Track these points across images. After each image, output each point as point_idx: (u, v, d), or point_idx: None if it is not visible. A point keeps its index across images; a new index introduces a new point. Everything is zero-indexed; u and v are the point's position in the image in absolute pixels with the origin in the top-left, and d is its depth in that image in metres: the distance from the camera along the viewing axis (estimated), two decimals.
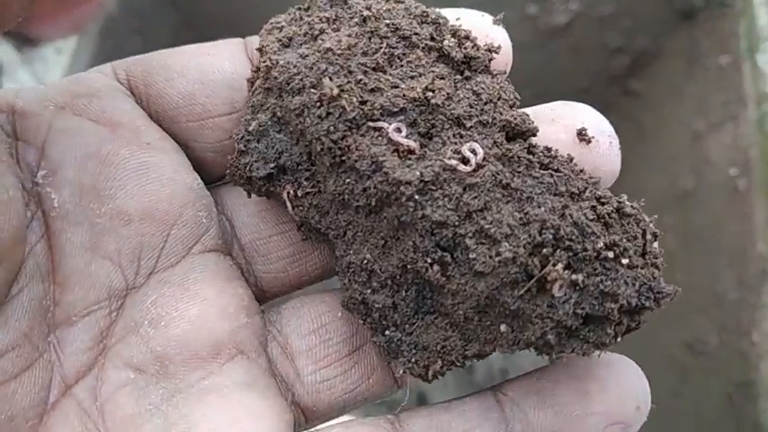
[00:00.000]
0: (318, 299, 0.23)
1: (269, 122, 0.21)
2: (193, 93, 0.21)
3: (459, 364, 0.22)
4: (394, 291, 0.21)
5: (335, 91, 0.21)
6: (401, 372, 0.21)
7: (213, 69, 0.21)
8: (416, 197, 0.20)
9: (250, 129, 0.21)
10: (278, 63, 0.21)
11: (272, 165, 0.21)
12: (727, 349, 0.59)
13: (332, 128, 0.21)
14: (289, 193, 0.21)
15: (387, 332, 0.21)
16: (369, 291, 0.20)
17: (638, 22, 0.78)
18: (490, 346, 0.21)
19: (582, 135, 0.25)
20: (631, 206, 0.24)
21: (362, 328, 0.22)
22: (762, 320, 0.54)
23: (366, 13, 0.23)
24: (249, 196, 0.22)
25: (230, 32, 0.90)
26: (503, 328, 0.21)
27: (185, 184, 0.20)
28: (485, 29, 0.24)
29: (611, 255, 0.22)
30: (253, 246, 0.22)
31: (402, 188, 0.20)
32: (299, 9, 0.25)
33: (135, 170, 0.20)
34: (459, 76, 0.23)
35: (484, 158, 0.22)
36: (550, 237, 0.21)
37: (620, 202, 0.24)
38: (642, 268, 0.23)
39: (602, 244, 0.22)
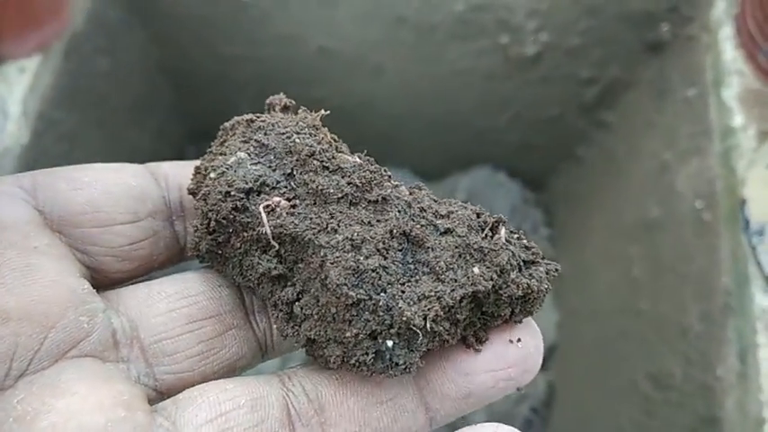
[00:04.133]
0: (220, 386, 0.21)
1: (246, 157, 0.22)
2: (99, 200, 0.21)
3: (451, 305, 0.21)
4: (383, 255, 0.21)
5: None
6: (406, 316, 0.20)
7: (118, 182, 0.22)
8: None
9: (229, 162, 0.22)
10: (259, 117, 0.24)
11: (252, 182, 0.22)
12: (692, 383, 0.59)
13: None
14: (268, 205, 0.21)
15: (383, 293, 0.20)
16: (362, 257, 0.20)
17: (607, 53, 0.80)
18: (470, 288, 0.21)
19: None
20: None
21: (271, 417, 0.20)
22: (727, 355, 0.54)
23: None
24: (209, 232, 0.22)
25: (200, 49, 0.90)
26: (475, 269, 0.21)
27: (69, 288, 0.20)
28: None
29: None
30: (158, 346, 0.21)
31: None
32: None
33: (19, 270, 0.19)
34: None
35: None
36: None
37: None
38: None
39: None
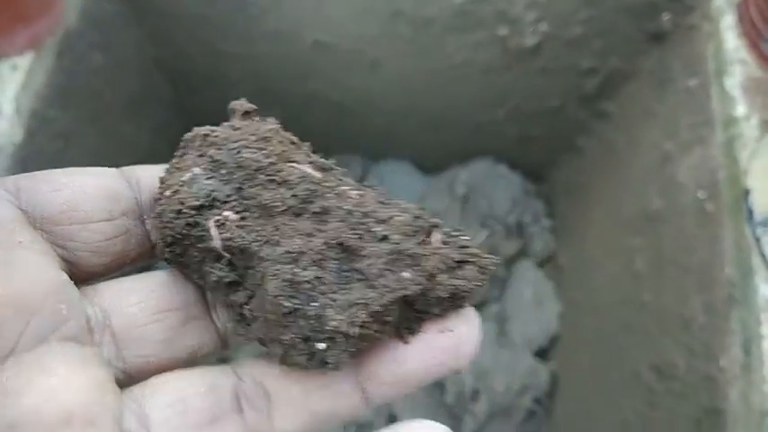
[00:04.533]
0: (182, 374, 0.24)
1: (200, 172, 0.24)
2: (77, 200, 0.23)
3: (378, 310, 0.23)
4: (319, 267, 0.23)
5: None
6: (332, 325, 0.22)
7: (94, 184, 0.24)
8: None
9: (184, 179, 0.24)
10: (214, 132, 0.25)
11: (203, 198, 0.24)
12: (695, 374, 0.59)
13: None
14: (218, 220, 0.23)
15: (315, 303, 0.22)
16: (299, 269, 0.22)
17: (608, 43, 0.79)
18: (400, 292, 0.23)
19: None
20: None
21: (224, 401, 0.23)
22: (730, 346, 0.53)
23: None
24: (166, 245, 0.24)
25: (196, 45, 0.89)
26: (405, 274, 0.23)
27: (50, 280, 0.22)
28: None
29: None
30: (128, 333, 0.24)
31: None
32: None
33: (4, 263, 0.21)
34: None
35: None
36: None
37: None
38: None
39: None
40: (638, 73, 0.81)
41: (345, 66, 0.87)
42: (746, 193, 0.54)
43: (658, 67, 0.75)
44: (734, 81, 0.62)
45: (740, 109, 0.60)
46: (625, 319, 0.76)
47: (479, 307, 1.01)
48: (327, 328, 0.22)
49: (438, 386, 0.92)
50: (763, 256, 0.52)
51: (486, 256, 0.25)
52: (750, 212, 0.53)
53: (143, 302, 0.24)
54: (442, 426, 0.23)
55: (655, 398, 0.66)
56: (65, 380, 0.21)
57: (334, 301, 0.22)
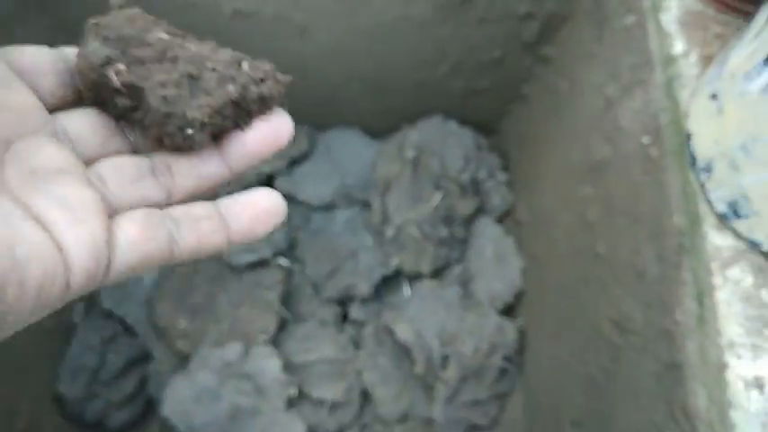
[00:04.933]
0: (118, 157, 0.36)
1: (99, 45, 0.35)
2: (39, 62, 0.35)
3: (216, 108, 0.35)
4: (178, 88, 0.35)
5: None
6: (191, 117, 0.35)
7: (46, 52, 0.36)
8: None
9: (89, 50, 0.34)
10: (102, 20, 0.36)
11: (103, 59, 0.34)
12: (653, 328, 0.57)
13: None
14: (115, 70, 0.34)
15: (179, 107, 0.35)
16: (166, 90, 0.35)
17: None
18: (227, 96, 0.36)
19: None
20: None
21: (144, 170, 0.36)
22: (683, 298, 0.51)
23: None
24: (87, 89, 0.36)
25: None
26: (229, 86, 0.36)
27: (34, 101, 0.34)
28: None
29: None
30: (77, 138, 0.36)
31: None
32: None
33: (7, 89, 0.33)
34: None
35: None
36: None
37: None
38: None
39: None
40: (575, 14, 0.77)
41: (272, 34, 0.82)
42: (688, 137, 0.51)
43: (594, 6, 0.72)
44: (670, 16, 0.59)
45: (678, 46, 0.57)
46: (583, 272, 0.74)
47: (442, 270, 0.98)
48: (189, 118, 0.35)
49: (407, 359, 0.90)
50: (709, 203, 0.49)
51: (281, 74, 0.37)
52: (693, 158, 0.50)
53: (84, 121, 0.37)
54: (276, 193, 0.36)
55: (617, 352, 0.64)
56: (54, 152, 0.33)
57: (190, 105, 0.35)
